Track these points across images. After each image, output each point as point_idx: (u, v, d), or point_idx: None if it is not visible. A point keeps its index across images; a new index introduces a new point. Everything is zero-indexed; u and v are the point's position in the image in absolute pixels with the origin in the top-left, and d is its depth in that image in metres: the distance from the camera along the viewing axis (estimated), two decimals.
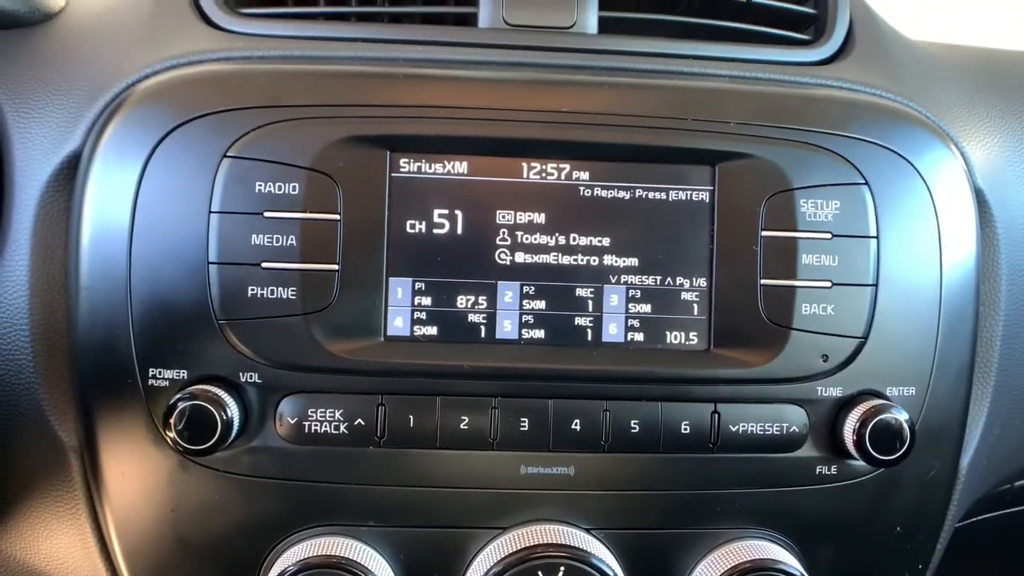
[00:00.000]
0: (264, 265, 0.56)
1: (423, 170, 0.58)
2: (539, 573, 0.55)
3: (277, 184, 0.56)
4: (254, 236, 0.56)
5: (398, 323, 0.58)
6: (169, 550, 0.59)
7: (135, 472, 0.58)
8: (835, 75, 0.67)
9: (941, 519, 0.65)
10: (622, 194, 0.59)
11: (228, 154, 0.56)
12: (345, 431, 0.57)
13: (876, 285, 0.59)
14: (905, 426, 0.57)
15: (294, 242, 0.56)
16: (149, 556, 0.60)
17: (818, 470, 0.60)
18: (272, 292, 0.56)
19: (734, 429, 0.58)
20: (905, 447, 0.57)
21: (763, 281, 0.58)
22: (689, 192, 0.59)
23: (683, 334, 0.59)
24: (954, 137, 0.66)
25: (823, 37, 0.70)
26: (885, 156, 0.60)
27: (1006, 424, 0.71)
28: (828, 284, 0.59)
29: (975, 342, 0.63)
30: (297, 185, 0.56)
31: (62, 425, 0.61)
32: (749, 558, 0.57)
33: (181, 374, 0.56)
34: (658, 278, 0.59)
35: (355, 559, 0.56)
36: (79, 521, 0.62)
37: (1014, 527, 0.95)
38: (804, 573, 0.58)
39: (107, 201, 0.57)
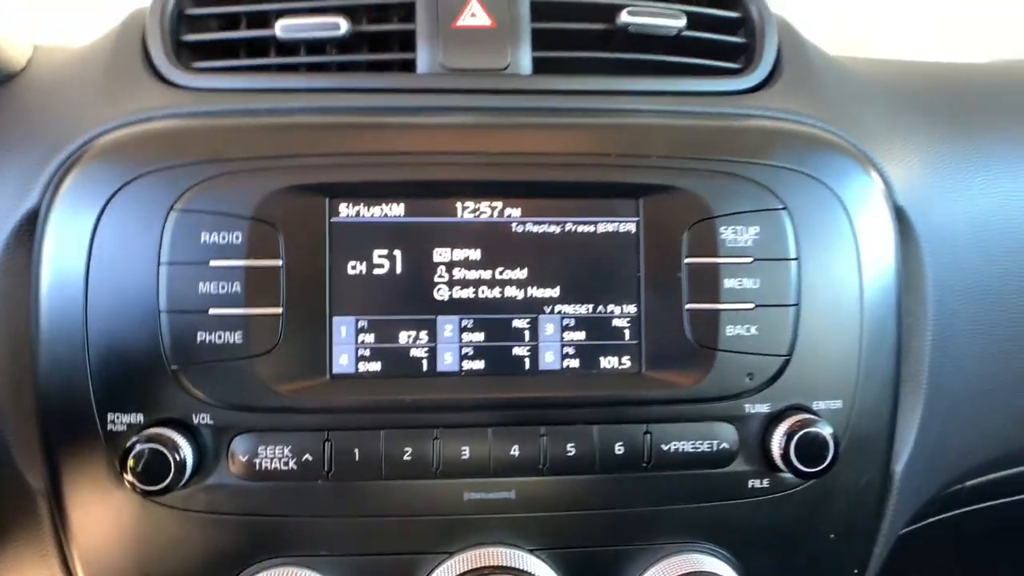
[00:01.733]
0: (211, 311, 0.59)
1: (361, 214, 0.61)
2: None
3: (221, 234, 0.59)
4: (201, 284, 0.59)
5: (343, 361, 0.61)
6: None
7: (99, 512, 0.61)
8: (760, 103, 0.70)
9: (876, 524, 0.67)
10: (553, 228, 0.62)
11: (175, 207, 0.59)
12: (294, 466, 0.59)
13: (798, 305, 0.62)
14: (829, 439, 0.60)
15: (239, 288, 0.59)
16: None
17: (750, 484, 0.63)
18: (220, 337, 0.59)
19: (666, 448, 0.61)
20: (830, 459, 0.60)
21: (688, 306, 0.61)
22: (616, 224, 0.62)
23: (616, 359, 0.62)
24: (874, 159, 0.69)
25: (751, 66, 0.73)
26: (803, 181, 0.63)
27: (946, 430, 0.74)
28: (751, 306, 0.62)
29: (899, 354, 0.66)
30: (240, 234, 0.59)
31: (30, 470, 0.63)
32: (687, 571, 0.60)
33: (138, 418, 0.59)
34: (590, 307, 0.62)
35: None
36: (48, 561, 0.64)
37: (977, 524, 0.98)
38: None
39: (63, 254, 0.59)
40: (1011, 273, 0.74)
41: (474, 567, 0.59)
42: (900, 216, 0.69)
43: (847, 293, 0.63)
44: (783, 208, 0.62)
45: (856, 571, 0.67)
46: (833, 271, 0.63)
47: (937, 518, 0.91)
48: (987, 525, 0.98)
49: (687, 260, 0.61)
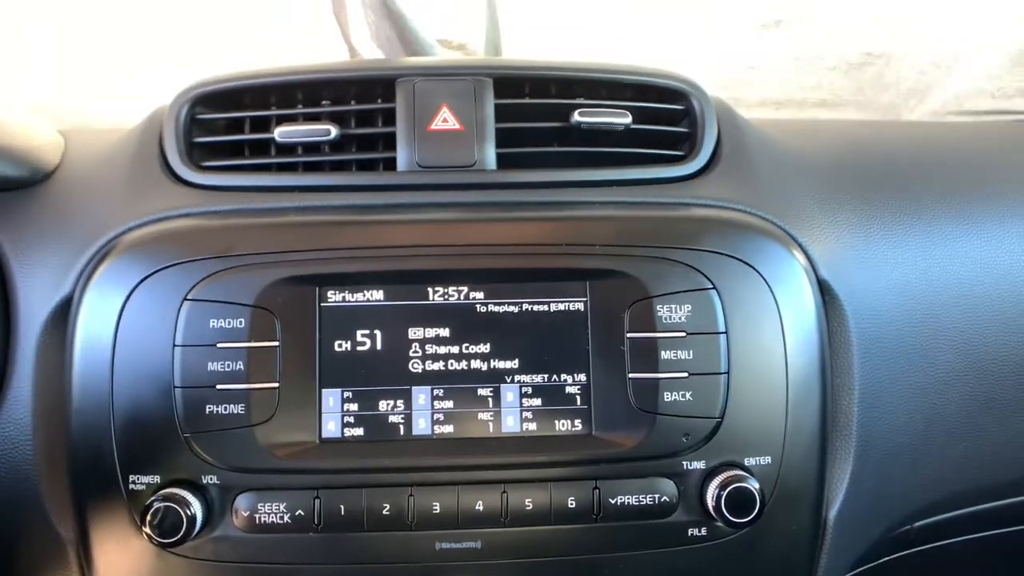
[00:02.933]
0: (218, 387, 0.68)
1: (347, 299, 0.71)
2: None
3: (227, 320, 0.69)
4: (210, 363, 0.68)
5: (331, 427, 0.70)
6: None
7: (121, 560, 0.70)
8: (697, 192, 0.79)
9: (810, 568, 0.75)
10: (512, 307, 0.71)
11: (188, 297, 0.69)
12: (289, 520, 0.68)
13: (727, 373, 0.70)
14: (756, 493, 0.68)
15: (242, 366, 0.68)
16: None
17: (690, 532, 0.71)
18: (225, 408, 0.68)
19: (613, 501, 0.69)
20: (757, 510, 0.68)
21: (631, 375, 0.70)
22: (567, 303, 0.71)
23: (569, 422, 0.71)
24: (798, 238, 0.78)
25: (692, 153, 0.82)
26: (731, 263, 0.72)
27: (882, 477, 0.80)
28: (685, 374, 0.70)
29: (826, 413, 0.74)
30: (243, 320, 0.69)
31: (61, 522, 0.72)
32: None
33: (155, 479, 0.68)
34: (546, 376, 0.71)
35: None
36: None
37: (934, 562, 1.03)
38: None
39: (93, 336, 0.69)
40: (935, 334, 0.81)
41: None
42: (825, 288, 0.77)
43: (773, 360, 0.72)
44: (712, 288, 0.71)
45: None
46: (759, 341, 0.71)
47: (890, 557, 0.97)
48: (941, 563, 1.03)
49: (629, 335, 0.70)
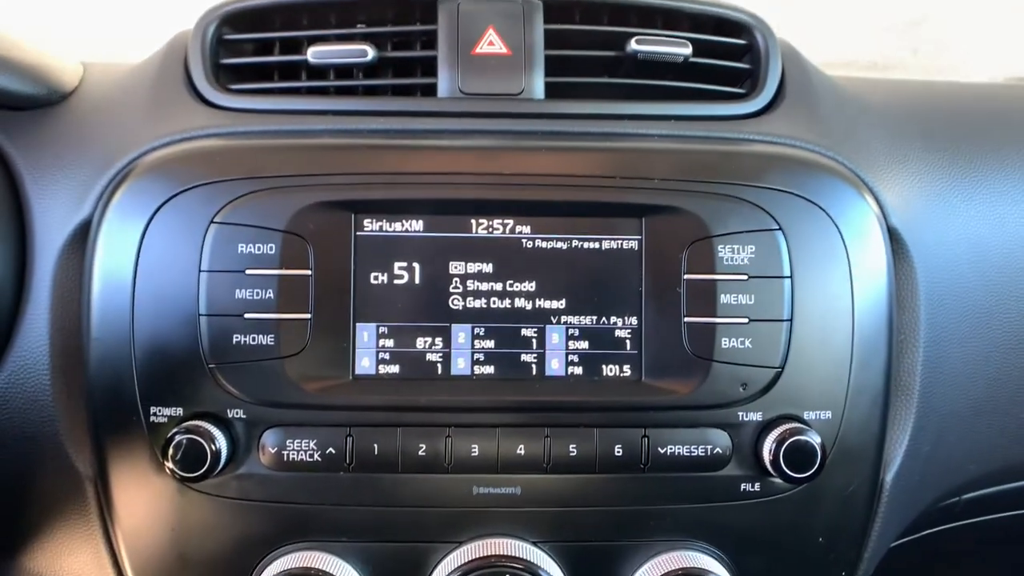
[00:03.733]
0: (246, 316, 0.64)
1: (384, 229, 0.66)
2: None
3: (257, 245, 0.64)
4: (237, 291, 0.64)
5: (364, 363, 0.66)
6: (172, 565, 0.67)
7: (141, 497, 0.67)
8: (761, 128, 0.74)
9: (864, 530, 0.71)
10: (560, 244, 0.66)
11: (215, 220, 0.64)
12: (319, 459, 0.65)
13: (790, 320, 0.66)
14: (817, 447, 0.64)
15: (272, 295, 0.64)
16: (155, 572, 0.68)
17: (742, 487, 0.67)
18: (254, 339, 0.64)
19: (662, 451, 0.65)
20: (817, 466, 0.64)
21: (686, 319, 0.66)
22: (620, 242, 0.66)
23: (617, 367, 0.66)
24: (870, 182, 0.73)
25: (755, 91, 0.77)
26: (799, 204, 0.67)
27: (938, 443, 0.77)
28: (745, 320, 0.66)
29: (890, 370, 0.69)
30: (274, 245, 0.64)
31: (79, 458, 0.69)
32: (680, 566, 0.64)
33: (177, 411, 0.65)
34: (594, 318, 0.66)
35: (330, 571, 0.63)
36: (94, 541, 0.71)
37: (973, 536, 0.99)
38: None
39: (112, 262, 0.65)
40: (1007, 295, 0.77)
41: (481, 556, 0.64)
42: (894, 237, 0.72)
43: (839, 310, 0.67)
44: (778, 229, 0.66)
45: (844, 574, 0.70)
46: (825, 289, 0.67)
47: (933, 530, 0.94)
48: (983, 537, 1.00)
49: (686, 276, 0.66)
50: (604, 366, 0.66)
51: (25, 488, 0.71)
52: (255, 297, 0.64)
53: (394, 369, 0.66)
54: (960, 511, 0.91)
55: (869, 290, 0.68)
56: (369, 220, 0.66)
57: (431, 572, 0.66)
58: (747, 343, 0.65)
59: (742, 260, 0.66)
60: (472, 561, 0.64)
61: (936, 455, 0.77)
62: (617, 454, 0.65)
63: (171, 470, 0.63)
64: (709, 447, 0.66)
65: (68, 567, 0.73)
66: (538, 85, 0.74)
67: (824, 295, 0.67)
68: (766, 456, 0.65)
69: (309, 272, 0.64)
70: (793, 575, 0.69)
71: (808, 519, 0.68)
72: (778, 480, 0.66)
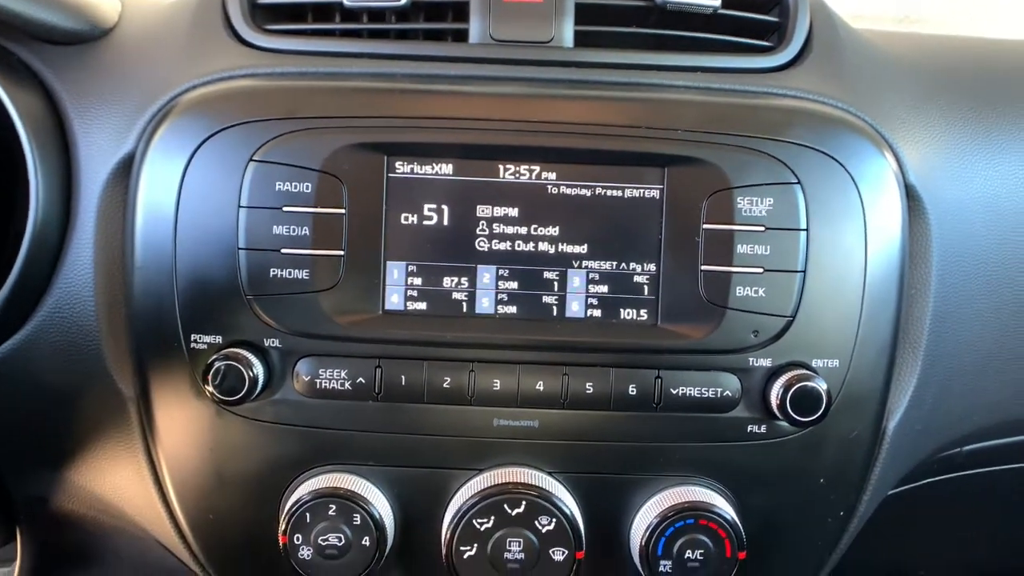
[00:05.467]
0: (283, 251, 0.67)
1: (415, 171, 0.68)
2: (505, 506, 0.67)
3: (293, 183, 0.67)
4: (275, 227, 0.67)
5: (394, 299, 0.69)
6: (209, 483, 0.72)
7: (181, 419, 0.71)
8: (786, 82, 0.75)
9: (863, 474, 0.74)
10: (584, 191, 0.69)
11: (253, 158, 0.67)
12: (349, 388, 0.69)
13: (804, 271, 0.68)
14: (823, 393, 0.67)
15: (307, 232, 0.67)
16: (194, 488, 0.73)
17: (749, 428, 0.70)
18: (290, 273, 0.67)
19: (674, 392, 0.69)
20: (822, 411, 0.67)
21: (703, 267, 0.68)
22: (642, 190, 0.68)
23: (634, 311, 0.69)
24: (890, 139, 0.73)
25: (782, 44, 0.78)
26: (818, 158, 0.68)
27: (942, 395, 0.79)
28: (760, 270, 0.68)
29: (899, 322, 0.71)
30: (310, 184, 0.67)
31: (122, 380, 0.73)
32: (687, 500, 0.68)
33: (217, 339, 0.69)
34: (614, 263, 0.69)
35: (357, 491, 0.68)
36: (136, 459, 0.75)
37: (970, 488, 1.02)
38: (734, 515, 0.68)
39: (155, 194, 0.68)
40: (1020, 256, 0.78)
41: (499, 483, 0.68)
42: (911, 194, 0.73)
43: (852, 263, 0.69)
44: (796, 183, 0.67)
45: (842, 514, 0.74)
46: (840, 242, 0.69)
47: (931, 480, 0.97)
48: (981, 489, 1.02)
49: (705, 226, 0.68)
50: (622, 310, 0.69)
51: (72, 407, 0.76)
52: (291, 233, 0.67)
53: (421, 306, 0.69)
54: (960, 462, 0.93)
55: (883, 245, 0.70)
56: (401, 162, 0.68)
57: (451, 497, 0.70)
58: (761, 292, 0.68)
59: (760, 212, 0.67)
60: (490, 487, 0.68)
61: (939, 406, 0.79)
62: (631, 393, 0.69)
63: (211, 394, 0.67)
64: (719, 390, 0.69)
65: (111, 482, 0.79)
66: (567, 33, 0.75)
67: (838, 248, 0.69)
68: (773, 400, 0.68)
69: (343, 211, 0.67)
70: (794, 514, 0.73)
71: (811, 461, 0.71)
72: (784, 423, 0.69)
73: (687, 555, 0.68)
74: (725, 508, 0.68)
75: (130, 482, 0.77)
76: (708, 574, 0.68)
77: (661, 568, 0.68)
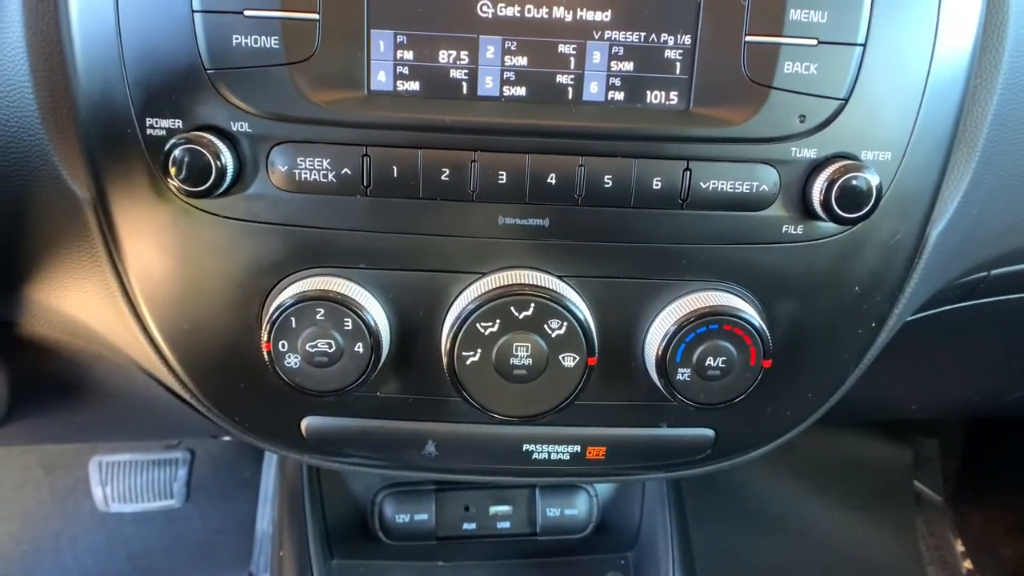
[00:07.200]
0: (247, 12, 0.56)
1: None
2: (511, 308, 0.61)
3: None
4: None
5: (380, 77, 0.59)
6: (182, 293, 0.65)
7: (144, 220, 0.63)
8: None
9: (901, 282, 0.68)
10: None
11: None
12: (333, 180, 0.60)
13: (864, 45, 0.58)
14: (873, 187, 0.59)
15: None
16: (166, 300, 0.66)
17: (784, 229, 0.63)
18: (256, 41, 0.57)
19: (705, 186, 0.60)
20: (870, 206, 0.59)
21: (748, 38, 0.57)
22: None
23: (663, 93, 0.59)
24: None
25: None
26: None
27: (988, 204, 0.72)
28: (814, 42, 0.58)
29: (960, 114, 0.63)
30: None
31: (75, 180, 0.64)
32: (709, 305, 0.62)
33: (176, 123, 0.59)
34: (642, 34, 0.58)
35: (347, 294, 0.61)
36: (101, 270, 0.68)
37: (984, 318, 0.99)
38: (760, 322, 0.63)
39: None
40: None
41: (505, 284, 0.61)
42: None
43: (919, 40, 0.59)
44: None
45: (873, 325, 0.69)
46: (908, 13, 0.58)
47: (947, 308, 0.93)
48: (995, 320, 0.99)
49: None
50: (649, 92, 0.59)
51: (24, 218, 0.68)
52: None
53: (413, 86, 0.59)
54: (984, 288, 0.89)
55: (956, 21, 0.60)
56: None
57: (452, 302, 0.64)
58: (812, 69, 0.58)
59: None
60: (495, 290, 0.61)
61: (983, 218, 0.73)
62: (655, 187, 0.60)
63: (175, 187, 0.58)
64: (755, 184, 0.61)
65: (78, 299, 0.72)
66: None
67: (906, 20, 0.58)
68: (816, 196, 0.60)
69: None
70: (823, 323, 0.67)
71: (847, 267, 0.65)
72: (823, 223, 0.62)
73: (708, 362, 0.62)
74: (752, 314, 0.63)
75: (96, 296, 0.70)
76: (729, 384, 0.64)
77: (679, 376, 0.63)
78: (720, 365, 0.62)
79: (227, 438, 1.41)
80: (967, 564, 1.50)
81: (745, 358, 0.62)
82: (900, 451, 1.60)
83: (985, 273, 0.85)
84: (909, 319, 0.79)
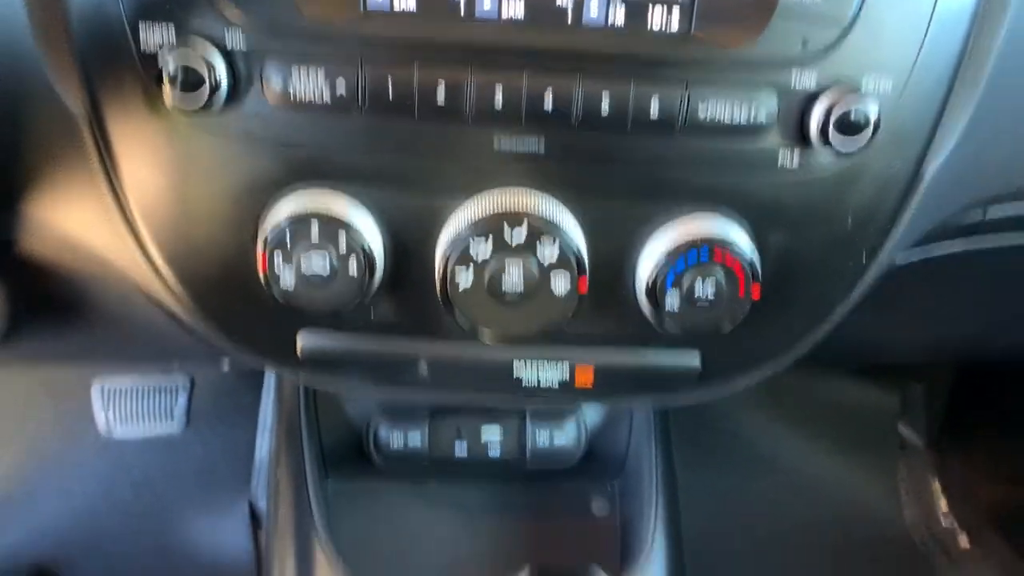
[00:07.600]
0: None
1: None
2: (504, 224, 0.61)
3: None
4: None
5: None
6: (178, 210, 0.66)
7: (139, 136, 0.63)
8: None
9: (894, 216, 0.68)
10: None
11: None
12: (327, 96, 0.60)
13: None
14: (871, 116, 0.58)
15: None
16: (162, 217, 0.67)
17: (781, 159, 0.62)
18: None
19: (702, 113, 0.60)
20: (869, 135, 0.59)
21: None
22: None
23: (665, 16, 0.58)
24: None
25: None
26: None
27: (987, 142, 0.72)
28: None
29: (965, 48, 0.62)
30: None
31: (68, 95, 0.64)
32: (700, 231, 0.62)
33: (170, 33, 0.58)
34: None
35: (341, 213, 0.62)
36: (97, 187, 0.68)
37: (977, 260, 1.00)
38: (751, 252, 0.63)
39: None
40: None
41: (499, 203, 0.61)
42: None
43: None
44: None
45: (864, 261, 0.69)
46: None
47: (945, 253, 0.93)
48: (988, 261, 1.00)
49: None
50: (650, 15, 0.58)
51: (20, 132, 0.67)
52: None
53: (410, 5, 0.58)
54: (978, 226, 0.89)
55: None
56: None
57: (446, 222, 0.64)
58: None
59: None
60: (490, 210, 0.61)
61: (982, 154, 0.72)
62: (653, 111, 0.60)
63: (168, 100, 0.58)
64: (753, 112, 0.60)
65: (74, 216, 0.72)
66: None
67: None
68: (814, 124, 0.60)
69: None
70: (815, 253, 0.68)
71: (842, 198, 0.65)
72: (820, 153, 0.62)
73: (697, 293, 0.63)
74: (743, 244, 0.63)
75: (94, 213, 0.70)
76: (719, 315, 0.64)
77: (668, 307, 0.64)
78: (709, 296, 0.63)
79: (225, 368, 1.44)
80: (943, 506, 1.54)
81: (734, 289, 0.63)
82: (888, 397, 1.63)
83: (982, 210, 0.85)
84: (901, 264, 0.80)
